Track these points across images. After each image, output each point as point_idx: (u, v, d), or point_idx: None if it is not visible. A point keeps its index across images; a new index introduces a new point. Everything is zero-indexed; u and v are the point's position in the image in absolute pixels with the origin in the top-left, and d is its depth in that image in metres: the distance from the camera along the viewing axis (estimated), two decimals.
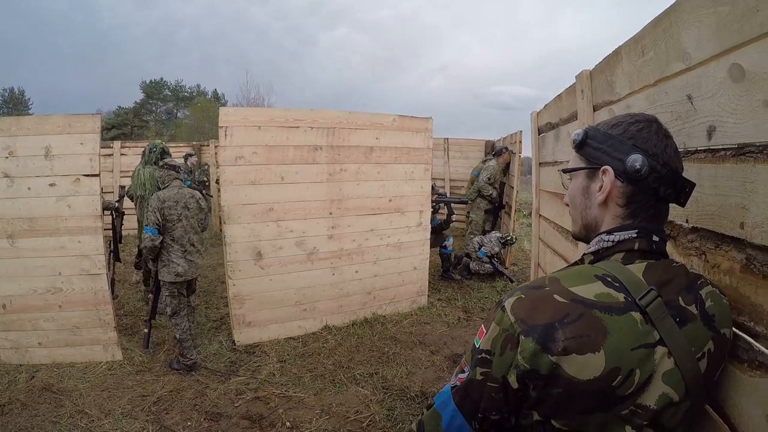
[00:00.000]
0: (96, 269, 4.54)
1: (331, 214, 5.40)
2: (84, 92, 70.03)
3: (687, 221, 1.28)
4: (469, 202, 8.64)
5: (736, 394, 1.06)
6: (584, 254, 1.15)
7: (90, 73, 78.12)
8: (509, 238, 7.69)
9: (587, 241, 1.18)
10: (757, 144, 0.97)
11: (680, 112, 1.30)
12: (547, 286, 0.96)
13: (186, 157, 10.59)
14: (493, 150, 9.56)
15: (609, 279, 0.96)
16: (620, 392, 0.89)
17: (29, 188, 4.37)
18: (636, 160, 1.02)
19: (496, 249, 7.60)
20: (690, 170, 1.24)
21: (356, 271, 5.69)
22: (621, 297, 0.94)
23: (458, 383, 1.02)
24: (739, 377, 1.05)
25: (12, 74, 66.26)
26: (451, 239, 7.54)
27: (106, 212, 5.09)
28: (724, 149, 1.10)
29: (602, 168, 1.07)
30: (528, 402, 0.93)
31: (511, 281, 7.51)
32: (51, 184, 4.39)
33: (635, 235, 1.06)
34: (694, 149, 1.23)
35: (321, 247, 5.40)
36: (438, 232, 7.15)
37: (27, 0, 76.84)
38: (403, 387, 4.21)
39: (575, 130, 1.20)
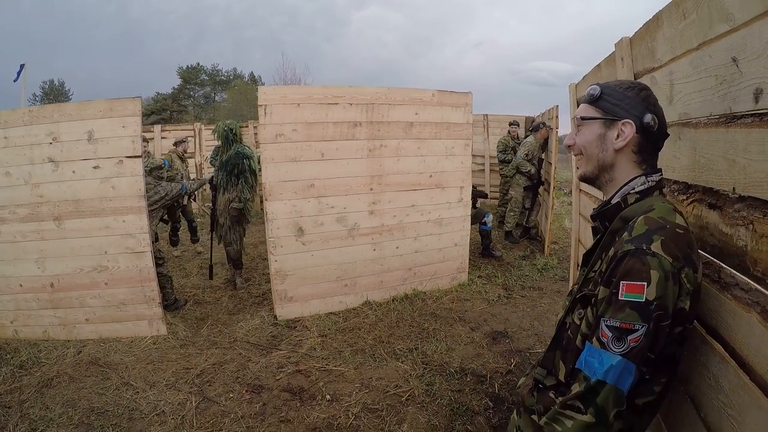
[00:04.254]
0: (140, 248, 4.68)
1: (371, 189, 5.41)
2: (121, 81, 71.30)
3: (734, 190, 1.24)
4: (506, 178, 8.68)
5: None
6: (627, 194, 1.37)
7: (126, 62, 79.78)
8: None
9: (595, 179, 1.47)
10: None
11: (725, 75, 1.25)
12: (666, 224, 1.20)
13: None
14: (515, 123, 9.74)
15: (675, 209, 1.28)
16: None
17: (74, 171, 4.52)
18: (651, 118, 1.32)
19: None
20: (736, 136, 1.21)
21: (397, 247, 5.70)
22: (684, 219, 1.26)
23: (633, 344, 1.12)
24: (747, 319, 1.15)
25: (49, 68, 67.86)
26: (491, 216, 7.46)
27: None
28: None
29: (623, 121, 1.34)
30: (680, 318, 1.17)
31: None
32: (95, 167, 4.53)
33: (661, 176, 1.38)
34: (741, 113, 1.19)
35: (362, 222, 5.43)
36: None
37: None
38: (443, 362, 4.22)
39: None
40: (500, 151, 9.38)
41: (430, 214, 5.84)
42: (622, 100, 1.36)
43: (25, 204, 4.57)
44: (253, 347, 4.64)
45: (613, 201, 1.41)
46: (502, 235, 8.81)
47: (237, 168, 6.09)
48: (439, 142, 5.70)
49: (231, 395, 3.83)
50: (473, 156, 6.23)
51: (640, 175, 1.37)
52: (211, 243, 6.70)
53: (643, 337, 1.11)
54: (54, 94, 48.87)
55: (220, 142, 6.28)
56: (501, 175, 9.49)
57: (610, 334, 1.15)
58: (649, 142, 1.36)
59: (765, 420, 1.01)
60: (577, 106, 1.50)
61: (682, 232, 1.20)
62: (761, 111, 1.10)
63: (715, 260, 1.33)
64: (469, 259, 6.40)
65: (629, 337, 1.12)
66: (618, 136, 1.36)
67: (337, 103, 5.09)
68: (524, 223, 9.00)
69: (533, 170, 8.27)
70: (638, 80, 1.92)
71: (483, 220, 7.33)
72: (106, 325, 4.83)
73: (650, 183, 1.36)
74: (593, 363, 1.17)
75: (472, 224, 6.46)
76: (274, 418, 3.53)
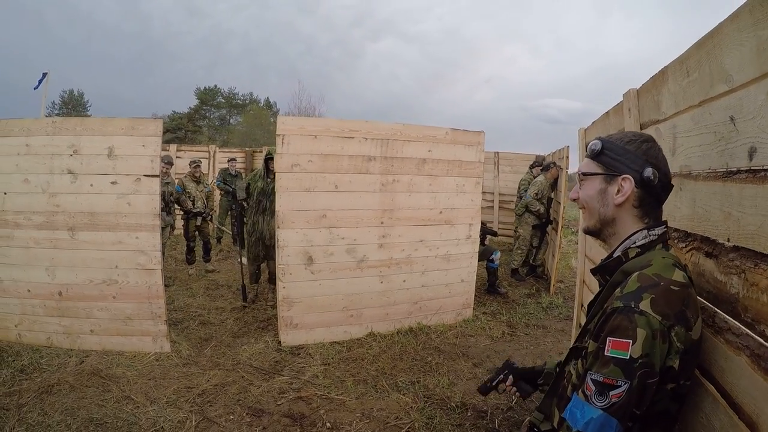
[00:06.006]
0: (152, 264, 4.75)
1: (382, 223, 5.49)
2: (137, 97, 72.40)
3: (728, 240, 1.30)
4: (517, 216, 8.72)
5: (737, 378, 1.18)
6: (628, 249, 1.40)
7: (143, 80, 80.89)
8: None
9: (599, 233, 1.49)
10: None
11: (723, 133, 1.33)
12: (660, 281, 1.21)
13: (229, 161, 11.12)
14: (540, 164, 9.62)
15: (678, 265, 1.29)
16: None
17: (92, 185, 4.64)
18: (650, 172, 1.33)
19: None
20: (732, 190, 1.28)
21: (404, 281, 5.74)
22: (686, 274, 1.28)
23: (615, 400, 1.14)
24: (738, 361, 1.20)
25: (68, 78, 68.49)
26: (498, 253, 7.50)
27: None
28: (764, 170, 1.12)
29: (623, 176, 1.37)
30: (672, 376, 1.18)
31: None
32: (113, 182, 4.64)
33: (665, 229, 1.40)
34: (736, 169, 1.25)
35: (371, 255, 5.49)
36: None
37: (83, 8, 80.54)
38: (444, 397, 4.21)
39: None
40: (524, 190, 9.21)
41: (439, 250, 5.89)
42: (622, 155, 1.38)
43: (41, 212, 4.68)
44: (255, 371, 4.66)
45: (615, 255, 1.43)
46: (509, 273, 8.84)
47: None
48: (450, 179, 5.79)
49: (231, 417, 3.85)
50: (482, 193, 6.31)
51: (642, 229, 1.39)
52: (241, 265, 6.89)
53: (626, 394, 1.13)
54: (73, 104, 49.39)
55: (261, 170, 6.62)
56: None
57: (593, 388, 1.18)
58: (651, 195, 1.37)
59: None
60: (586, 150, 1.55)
61: (677, 288, 1.21)
62: (755, 168, 1.17)
63: (710, 305, 1.38)
64: (475, 296, 6.43)
65: (611, 393, 1.14)
66: (618, 192, 1.38)
67: (352, 137, 5.21)
68: (531, 261, 9.03)
69: (542, 209, 8.33)
70: (644, 131, 1.98)
71: (490, 258, 7.36)
72: (111, 337, 4.88)
73: (652, 237, 1.37)
74: (576, 414, 1.21)
75: (479, 261, 6.50)
76: None
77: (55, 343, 4.88)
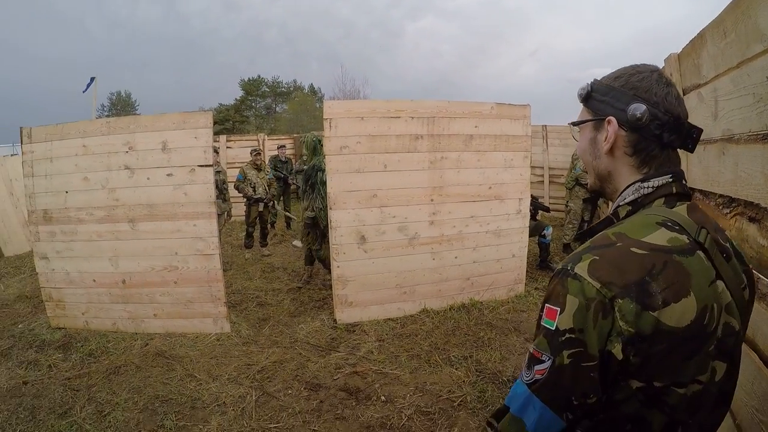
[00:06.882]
0: (210, 250, 4.97)
1: (432, 200, 5.52)
2: (183, 95, 74.63)
3: None
4: (567, 190, 8.58)
5: None
6: (618, 207, 1.11)
7: (187, 77, 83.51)
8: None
9: (602, 192, 1.20)
10: None
11: (762, 94, 1.31)
12: (617, 241, 0.95)
13: (279, 147, 11.36)
14: None
15: (669, 224, 0.97)
16: (708, 329, 0.92)
17: (148, 178, 4.89)
18: (637, 108, 1.02)
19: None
20: None
21: (456, 257, 5.77)
22: (685, 239, 0.95)
23: (538, 376, 0.94)
24: None
25: (115, 80, 71.59)
26: (551, 229, 7.42)
27: None
28: None
29: (607, 119, 1.08)
30: (628, 371, 0.89)
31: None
32: (168, 174, 4.88)
33: (671, 180, 1.06)
34: None
35: (422, 232, 5.54)
36: None
37: (122, 14, 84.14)
38: (496, 371, 4.26)
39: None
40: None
41: (489, 225, 5.89)
42: (607, 93, 1.10)
43: (101, 207, 4.97)
44: (312, 348, 4.82)
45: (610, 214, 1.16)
46: (560, 248, 8.73)
47: (311, 179, 6.41)
48: (498, 154, 5.76)
49: (290, 391, 4.02)
50: (532, 167, 6.25)
51: (635, 182, 1.09)
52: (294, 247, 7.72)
53: (548, 372, 0.93)
54: (121, 104, 51.07)
55: (306, 153, 6.70)
56: None
57: (526, 361, 0.99)
58: (647, 138, 1.06)
59: None
60: None
61: (643, 252, 0.92)
62: None
63: (753, 271, 1.37)
64: (527, 271, 6.41)
65: (535, 368, 0.95)
66: (606, 138, 1.10)
67: (399, 117, 5.25)
68: None
69: None
70: (686, 96, 1.90)
71: (542, 233, 7.31)
72: (173, 320, 5.15)
73: (646, 190, 1.07)
74: (511, 389, 1.02)
75: (531, 236, 6.46)
76: (330, 415, 3.68)
77: (120, 328, 5.19)
